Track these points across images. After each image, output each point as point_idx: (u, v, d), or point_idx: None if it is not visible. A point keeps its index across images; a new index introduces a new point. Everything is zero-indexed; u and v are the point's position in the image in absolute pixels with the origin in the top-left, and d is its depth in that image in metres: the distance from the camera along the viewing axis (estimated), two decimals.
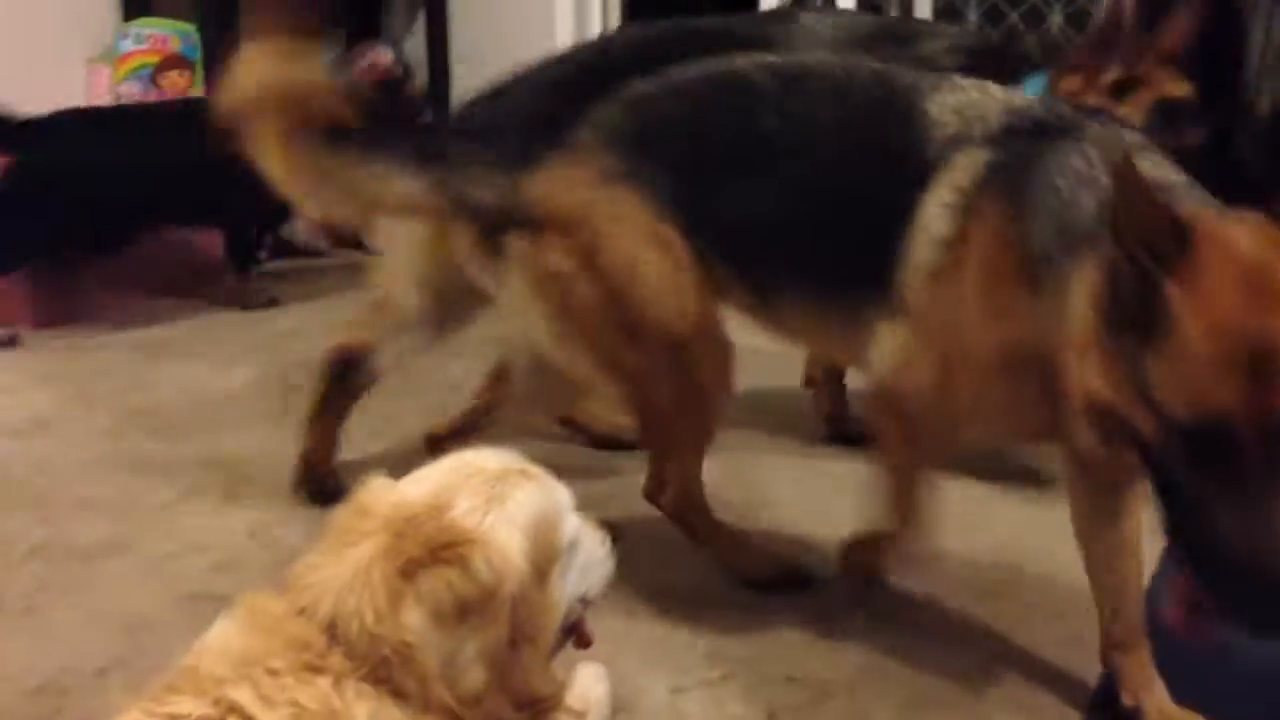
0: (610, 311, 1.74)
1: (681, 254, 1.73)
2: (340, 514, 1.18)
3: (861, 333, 1.65)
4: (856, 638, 1.81)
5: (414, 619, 1.09)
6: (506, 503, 1.19)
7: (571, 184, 1.75)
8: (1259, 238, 1.24)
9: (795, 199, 1.68)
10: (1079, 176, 1.41)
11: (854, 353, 1.70)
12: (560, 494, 1.26)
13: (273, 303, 3.34)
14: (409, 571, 1.10)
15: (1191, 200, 1.34)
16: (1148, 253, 1.22)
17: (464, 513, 1.16)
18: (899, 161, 1.58)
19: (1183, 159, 1.44)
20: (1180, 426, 1.21)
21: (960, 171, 1.53)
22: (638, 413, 1.86)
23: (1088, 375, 1.30)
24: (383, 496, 1.19)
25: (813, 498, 2.27)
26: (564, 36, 4.02)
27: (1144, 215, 1.22)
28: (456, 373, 2.69)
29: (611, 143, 1.75)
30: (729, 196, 1.71)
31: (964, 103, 1.59)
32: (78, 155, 3.00)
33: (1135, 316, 1.24)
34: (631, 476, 2.06)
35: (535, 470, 1.25)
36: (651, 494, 1.96)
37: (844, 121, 1.67)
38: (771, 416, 2.62)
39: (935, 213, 1.54)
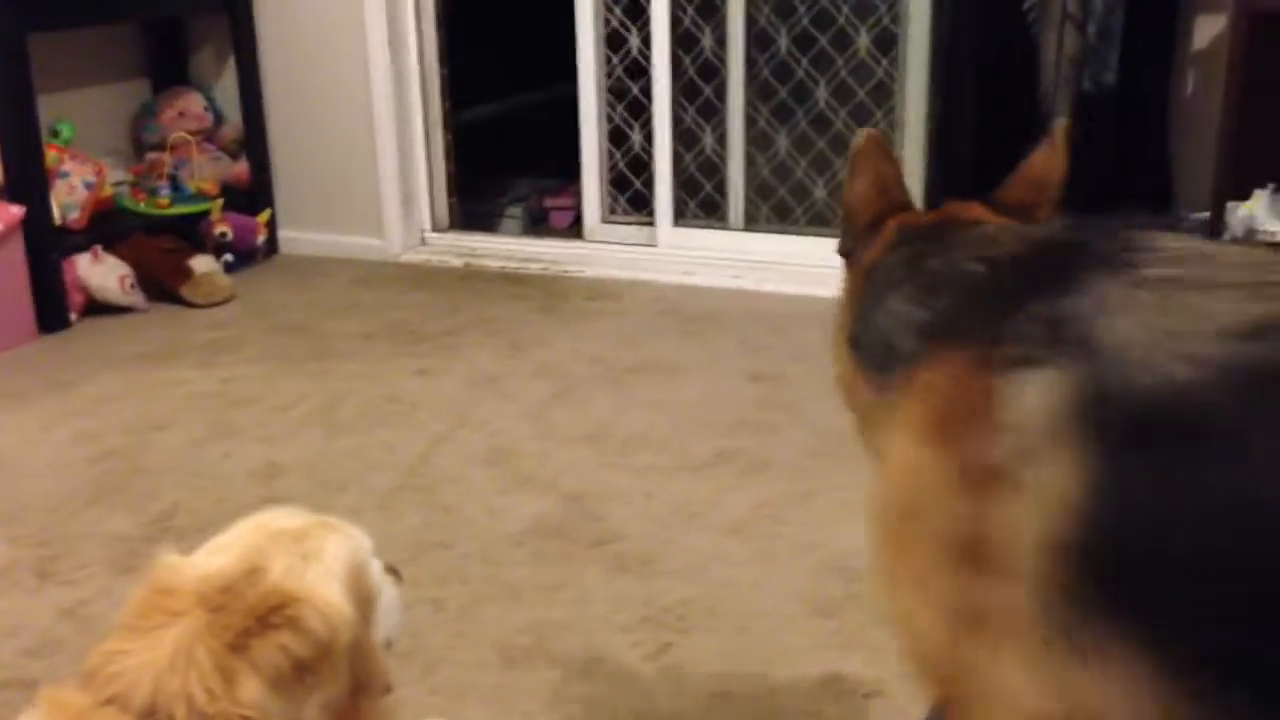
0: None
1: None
2: (137, 595, 1.12)
3: None
4: (700, 667, 1.81)
5: (252, 691, 1.05)
6: (321, 556, 1.18)
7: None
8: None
9: None
10: None
11: None
12: (363, 540, 1.26)
13: None
14: (240, 644, 1.06)
15: None
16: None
17: (282, 574, 1.13)
18: None
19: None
20: None
21: None
22: None
23: None
24: (183, 572, 1.14)
25: (663, 526, 2.27)
26: (380, 76, 3.96)
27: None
28: None
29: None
30: None
31: None
32: None
33: None
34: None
35: (334, 521, 1.25)
36: None
37: None
38: (612, 437, 2.62)
39: None
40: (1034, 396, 0.91)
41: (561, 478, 2.46)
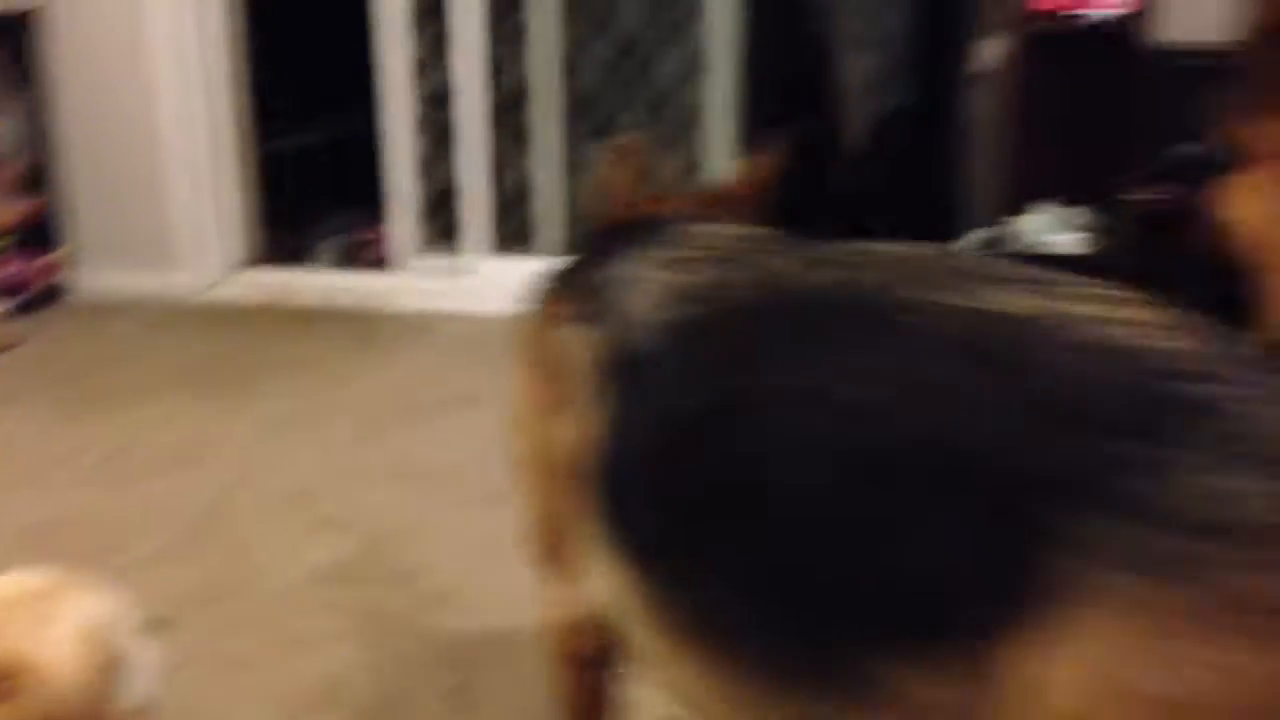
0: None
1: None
2: None
3: None
4: (496, 705, 1.76)
5: None
6: (56, 620, 1.12)
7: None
8: None
9: None
10: None
11: None
12: (112, 601, 1.20)
13: None
14: None
15: None
16: None
17: (13, 639, 1.09)
18: None
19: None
20: None
21: None
22: None
23: None
24: None
25: (468, 560, 2.21)
26: (176, 109, 3.82)
27: None
28: None
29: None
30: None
31: None
32: None
33: None
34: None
35: (82, 580, 1.19)
36: None
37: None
38: (419, 473, 2.55)
39: None
40: (581, 349, 1.14)
41: (364, 517, 2.38)
